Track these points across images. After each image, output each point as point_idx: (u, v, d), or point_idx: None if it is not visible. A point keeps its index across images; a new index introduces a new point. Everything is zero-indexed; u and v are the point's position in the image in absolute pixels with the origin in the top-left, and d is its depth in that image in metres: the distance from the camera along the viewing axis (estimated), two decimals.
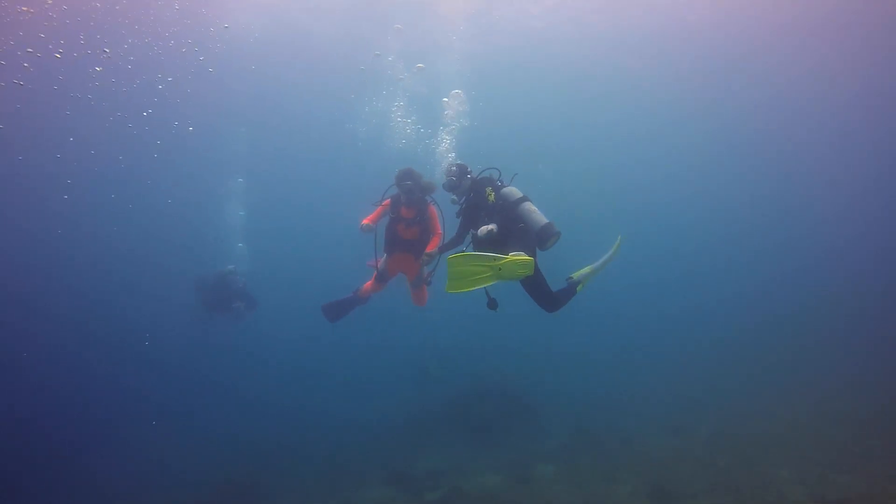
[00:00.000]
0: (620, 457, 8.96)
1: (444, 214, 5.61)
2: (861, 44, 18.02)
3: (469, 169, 4.96)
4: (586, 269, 4.86)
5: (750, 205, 26.23)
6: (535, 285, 4.44)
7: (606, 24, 16.40)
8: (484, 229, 4.22)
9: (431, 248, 5.42)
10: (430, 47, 15.06)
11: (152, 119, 16.31)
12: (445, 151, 7.24)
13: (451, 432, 10.96)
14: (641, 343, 15.81)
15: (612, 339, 16.04)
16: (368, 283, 6.28)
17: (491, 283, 3.97)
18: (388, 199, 5.67)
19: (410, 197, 5.52)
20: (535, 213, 4.46)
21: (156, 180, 20.86)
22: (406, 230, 5.70)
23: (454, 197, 4.82)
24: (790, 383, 11.89)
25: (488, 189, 4.61)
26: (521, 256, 3.94)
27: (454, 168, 4.88)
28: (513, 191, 4.63)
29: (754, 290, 21.10)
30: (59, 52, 12.29)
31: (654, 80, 20.28)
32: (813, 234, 26.49)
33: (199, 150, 20.12)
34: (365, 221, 5.46)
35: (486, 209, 4.59)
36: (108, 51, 13.22)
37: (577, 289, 4.76)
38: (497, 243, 4.26)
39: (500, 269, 3.85)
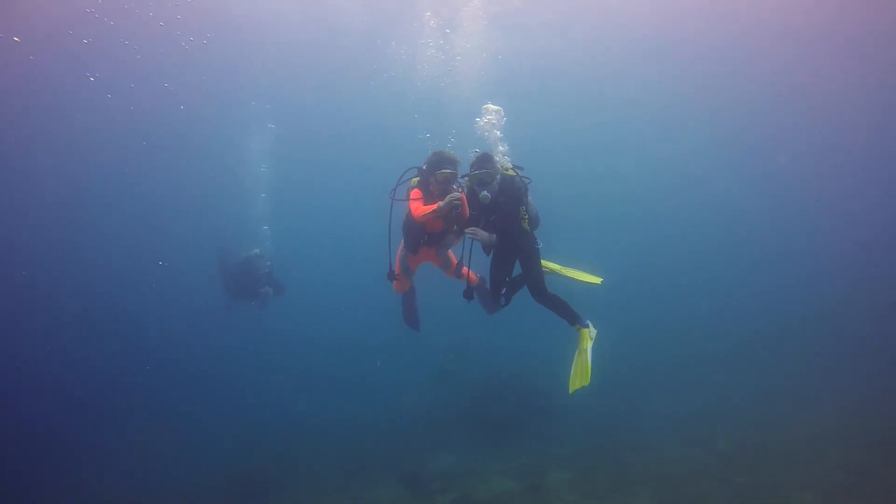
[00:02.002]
0: (636, 467, 8.81)
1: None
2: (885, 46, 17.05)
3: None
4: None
5: (772, 208, 25.24)
6: (527, 266, 4.45)
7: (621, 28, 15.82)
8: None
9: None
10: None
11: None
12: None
13: (466, 431, 10.98)
14: (661, 347, 15.48)
15: (630, 343, 15.73)
16: (395, 284, 5.41)
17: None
18: (418, 190, 4.58)
19: (479, 194, 4.34)
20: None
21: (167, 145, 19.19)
22: (437, 223, 4.66)
23: (486, 193, 4.05)
24: (815, 394, 11.43)
25: (522, 210, 4.24)
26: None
27: (490, 162, 4.14)
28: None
29: (781, 291, 20.41)
30: None
31: (667, 84, 19.57)
32: (840, 231, 25.40)
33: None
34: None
35: (506, 228, 4.29)
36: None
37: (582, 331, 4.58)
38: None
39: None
